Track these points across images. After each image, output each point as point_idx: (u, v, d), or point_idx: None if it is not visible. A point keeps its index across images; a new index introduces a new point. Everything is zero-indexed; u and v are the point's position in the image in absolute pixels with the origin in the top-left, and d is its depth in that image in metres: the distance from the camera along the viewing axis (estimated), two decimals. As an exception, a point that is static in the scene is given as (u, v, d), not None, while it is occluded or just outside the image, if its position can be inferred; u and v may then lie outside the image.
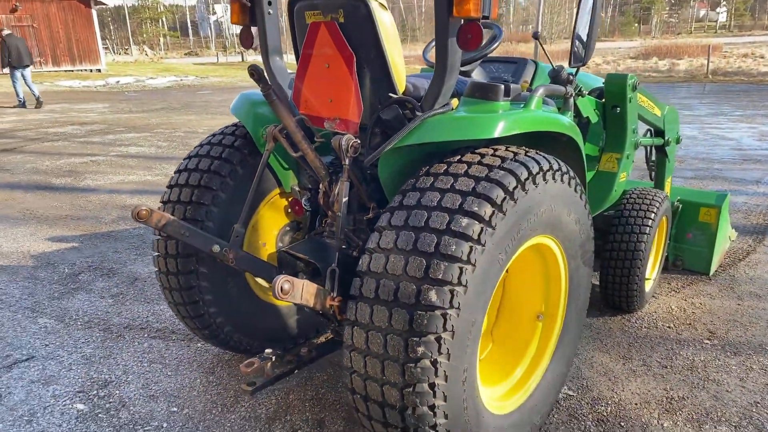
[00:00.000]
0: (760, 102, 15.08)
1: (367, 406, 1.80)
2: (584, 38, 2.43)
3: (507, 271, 2.43)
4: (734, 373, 2.90)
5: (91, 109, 15.14)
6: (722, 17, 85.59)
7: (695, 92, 17.99)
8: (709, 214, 4.02)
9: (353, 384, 1.81)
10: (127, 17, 60.20)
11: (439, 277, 1.65)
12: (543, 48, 3.03)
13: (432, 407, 1.70)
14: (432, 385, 1.68)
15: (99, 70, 26.54)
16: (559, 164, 2.04)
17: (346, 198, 2.08)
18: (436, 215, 1.74)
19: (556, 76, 2.77)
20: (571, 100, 2.34)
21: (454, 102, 2.10)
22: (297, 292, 1.77)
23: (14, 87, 14.80)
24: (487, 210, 1.74)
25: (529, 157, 1.95)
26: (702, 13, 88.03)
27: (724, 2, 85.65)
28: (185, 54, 59.27)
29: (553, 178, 2.00)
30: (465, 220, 1.71)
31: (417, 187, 1.86)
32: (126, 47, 57.89)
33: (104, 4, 28.20)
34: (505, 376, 2.32)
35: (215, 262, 2.53)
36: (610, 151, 3.11)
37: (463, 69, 2.90)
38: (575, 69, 2.62)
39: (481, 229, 1.71)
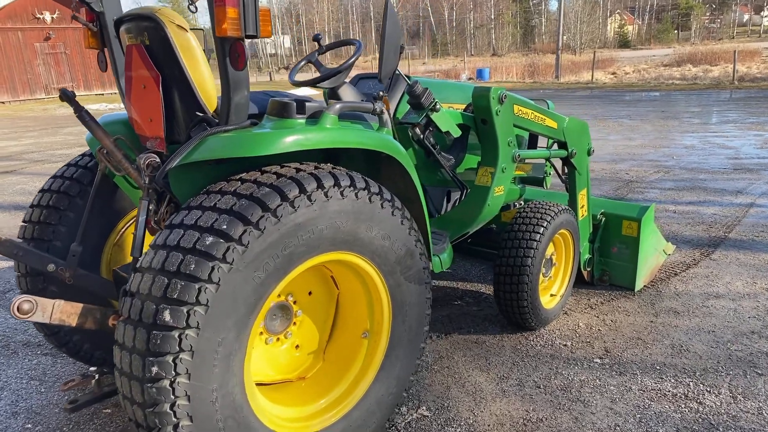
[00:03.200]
0: (780, 108, 14.46)
1: (131, 425, 1.81)
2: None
3: (338, 288, 2.41)
4: (608, 394, 2.77)
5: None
6: (767, 21, 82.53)
7: (713, 100, 17.37)
8: (631, 228, 3.88)
9: (121, 404, 1.82)
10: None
11: (175, 296, 1.66)
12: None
13: (176, 427, 1.70)
14: (173, 405, 1.68)
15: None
16: (352, 180, 2.02)
17: (144, 216, 2.12)
18: (188, 234, 1.75)
19: (410, 91, 2.75)
20: (386, 116, 2.31)
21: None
22: (43, 312, 1.79)
23: None
24: (237, 229, 1.73)
25: (309, 173, 1.94)
26: (746, 17, 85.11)
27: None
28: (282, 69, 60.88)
29: (341, 195, 1.98)
30: (210, 239, 1.71)
31: (189, 205, 1.88)
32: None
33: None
34: (324, 394, 2.28)
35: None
36: (484, 164, 3.05)
37: (323, 86, 2.91)
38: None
39: (228, 247, 1.71)
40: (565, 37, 52.27)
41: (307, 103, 2.10)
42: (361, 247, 2.10)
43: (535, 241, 3.17)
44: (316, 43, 3.14)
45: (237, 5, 1.82)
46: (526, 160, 3.74)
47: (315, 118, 2.08)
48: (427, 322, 2.49)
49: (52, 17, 24.27)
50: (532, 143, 3.88)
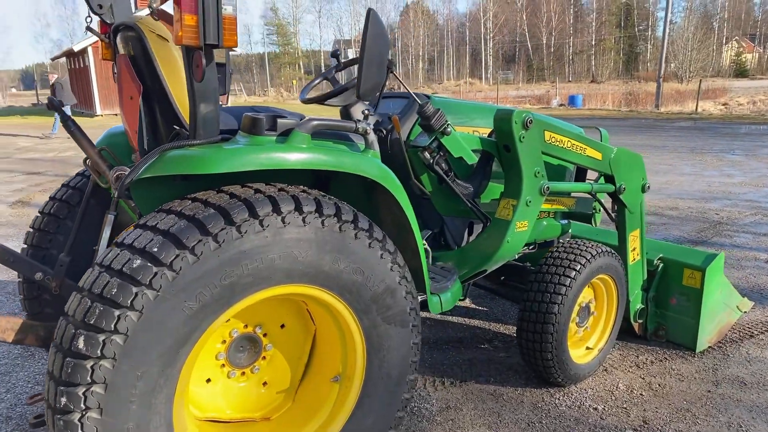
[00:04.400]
0: None
1: None
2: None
3: (314, 323, 2.20)
4: (633, 477, 2.33)
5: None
6: None
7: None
8: (694, 278, 3.36)
9: None
10: (267, 62, 65.95)
11: (92, 322, 1.52)
12: (399, 79, 2.76)
13: (84, 464, 1.55)
14: None
15: (223, 109, 29.22)
16: (318, 205, 1.82)
17: (109, 229, 2.03)
18: (121, 255, 1.62)
19: (420, 111, 2.51)
20: (372, 136, 2.07)
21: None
22: None
23: None
24: (168, 253, 1.58)
25: (267, 196, 1.76)
26: None
27: None
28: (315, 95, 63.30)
29: (302, 221, 1.78)
30: (137, 262, 1.57)
31: (138, 223, 1.75)
32: (265, 89, 63.23)
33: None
34: (285, 441, 2.06)
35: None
36: (507, 196, 2.73)
37: (332, 103, 2.74)
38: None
39: (156, 273, 1.56)
40: (672, 64, 49.36)
41: (280, 119, 1.92)
42: (326, 281, 1.88)
43: (564, 285, 2.78)
44: (335, 60, 2.99)
45: (194, 12, 1.69)
46: (572, 194, 3.34)
47: (285, 135, 1.90)
48: (412, 370, 2.21)
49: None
50: (580, 176, 3.48)
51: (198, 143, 1.87)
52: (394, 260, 2.04)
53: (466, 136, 2.62)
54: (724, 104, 27.16)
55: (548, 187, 2.75)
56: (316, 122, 1.91)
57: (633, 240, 3.33)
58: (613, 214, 3.37)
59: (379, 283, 2.00)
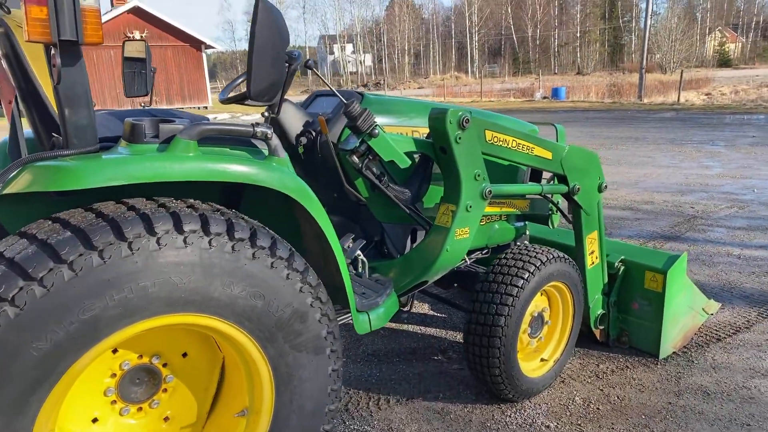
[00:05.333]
0: None
1: None
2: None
3: (221, 351, 1.98)
4: (580, 507, 2.14)
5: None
6: None
7: (820, 124, 15.45)
8: (655, 280, 3.18)
9: None
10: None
11: None
12: (319, 75, 2.55)
13: None
14: None
15: (206, 107, 28.83)
16: (204, 223, 1.60)
17: None
18: None
19: (345, 112, 2.29)
20: (274, 141, 1.84)
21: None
22: None
23: None
24: (11, 285, 1.35)
25: (141, 214, 1.53)
26: None
27: None
28: (302, 92, 62.83)
29: (183, 242, 1.56)
30: None
31: None
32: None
33: (214, 47, 30.77)
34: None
35: None
36: (446, 201, 2.52)
37: (253, 103, 2.51)
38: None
39: None
40: (657, 55, 49.38)
41: (163, 125, 1.70)
42: (218, 309, 1.66)
43: (511, 296, 2.58)
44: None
45: (43, 2, 1.46)
46: (527, 195, 3.13)
47: (167, 143, 1.67)
48: (332, 399, 2.00)
49: (141, 36, 25.77)
50: (536, 176, 3.28)
51: (69, 153, 1.64)
52: (304, 280, 1.82)
53: (399, 138, 2.41)
54: (707, 94, 27.09)
55: (490, 191, 2.54)
56: (202, 127, 1.68)
57: (591, 242, 3.13)
58: (569, 216, 3.18)
59: (284, 308, 1.78)
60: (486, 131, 2.51)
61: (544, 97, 29.17)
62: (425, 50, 75.66)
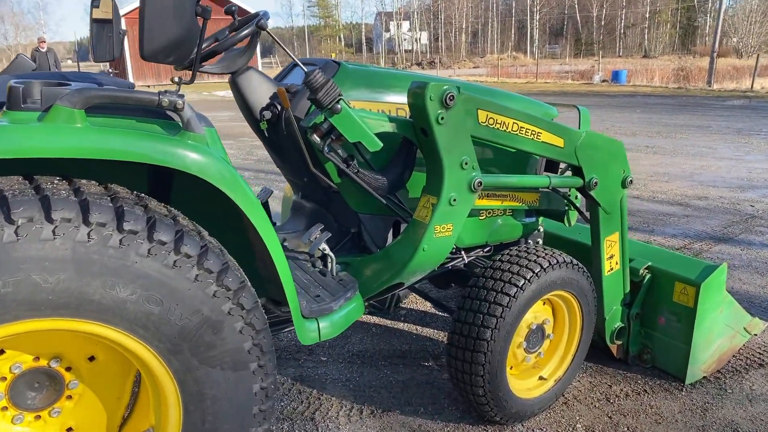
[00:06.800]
0: None
1: None
2: None
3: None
4: None
5: (212, 117, 16.32)
6: None
7: None
8: (686, 294, 2.71)
9: None
10: (306, 35, 65.37)
11: None
12: (277, 41, 2.19)
13: None
14: None
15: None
16: (84, 210, 1.31)
17: None
18: None
19: (306, 81, 1.95)
20: (188, 113, 1.50)
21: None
22: None
23: None
24: None
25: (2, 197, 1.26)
26: None
27: None
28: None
29: (52, 233, 1.28)
30: None
31: None
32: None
33: (266, 22, 30.57)
34: None
35: None
36: (427, 193, 2.15)
37: (208, 70, 2.21)
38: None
39: None
40: (733, 39, 46.09)
41: (46, 88, 1.41)
42: (101, 314, 1.37)
43: (501, 306, 2.20)
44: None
45: None
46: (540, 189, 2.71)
47: (47, 111, 1.38)
48: (259, 422, 1.70)
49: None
50: (552, 166, 2.85)
51: None
52: (220, 283, 1.52)
53: (374, 116, 2.04)
54: (788, 82, 25.02)
55: (480, 182, 2.15)
56: (89, 93, 1.38)
57: (610, 246, 2.69)
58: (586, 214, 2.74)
59: (190, 315, 1.48)
60: (479, 111, 2.12)
61: (603, 81, 27.69)
62: (483, 29, 73.61)
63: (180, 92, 1.55)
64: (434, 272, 2.59)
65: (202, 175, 1.50)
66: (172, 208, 1.57)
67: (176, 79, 1.59)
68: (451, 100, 1.99)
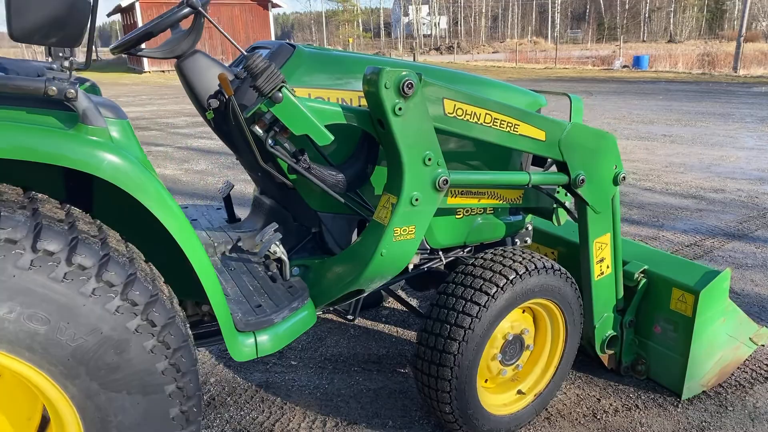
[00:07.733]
0: None
1: None
2: None
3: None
4: None
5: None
6: None
7: None
8: (684, 301, 2.47)
9: None
10: (323, 20, 64.90)
11: None
12: (212, 22, 1.98)
13: None
14: None
15: (272, 67, 28.80)
16: None
17: None
18: None
19: (246, 65, 1.74)
20: (83, 103, 1.30)
21: None
22: None
23: None
24: None
25: None
26: None
27: None
28: (373, 54, 62.03)
29: None
30: None
31: None
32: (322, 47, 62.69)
33: (279, 6, 30.34)
34: None
35: None
36: (387, 191, 1.94)
37: (149, 54, 2.03)
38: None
39: None
40: (764, 23, 44.51)
41: None
42: (-14, 335, 1.20)
43: (470, 316, 1.99)
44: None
45: None
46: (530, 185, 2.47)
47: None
48: (176, 450, 1.52)
49: (209, -7, 25.81)
50: (541, 160, 2.62)
51: None
52: (126, 297, 1.33)
53: (325, 106, 1.83)
54: (819, 67, 24.01)
55: (446, 180, 1.93)
56: None
57: (600, 248, 2.46)
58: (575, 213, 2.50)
59: (86, 335, 1.30)
60: (445, 100, 1.89)
61: (624, 66, 26.93)
62: (504, 13, 72.41)
63: (76, 77, 1.36)
64: (407, 275, 2.39)
65: (98, 173, 1.31)
66: (74, 212, 1.39)
67: (66, 63, 1.41)
68: (409, 88, 1.76)
